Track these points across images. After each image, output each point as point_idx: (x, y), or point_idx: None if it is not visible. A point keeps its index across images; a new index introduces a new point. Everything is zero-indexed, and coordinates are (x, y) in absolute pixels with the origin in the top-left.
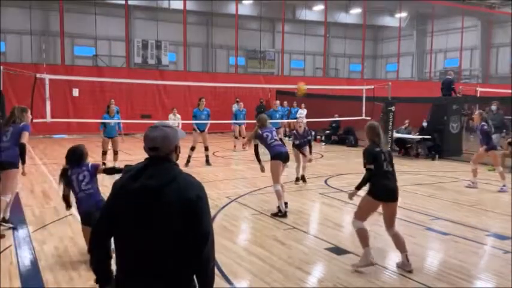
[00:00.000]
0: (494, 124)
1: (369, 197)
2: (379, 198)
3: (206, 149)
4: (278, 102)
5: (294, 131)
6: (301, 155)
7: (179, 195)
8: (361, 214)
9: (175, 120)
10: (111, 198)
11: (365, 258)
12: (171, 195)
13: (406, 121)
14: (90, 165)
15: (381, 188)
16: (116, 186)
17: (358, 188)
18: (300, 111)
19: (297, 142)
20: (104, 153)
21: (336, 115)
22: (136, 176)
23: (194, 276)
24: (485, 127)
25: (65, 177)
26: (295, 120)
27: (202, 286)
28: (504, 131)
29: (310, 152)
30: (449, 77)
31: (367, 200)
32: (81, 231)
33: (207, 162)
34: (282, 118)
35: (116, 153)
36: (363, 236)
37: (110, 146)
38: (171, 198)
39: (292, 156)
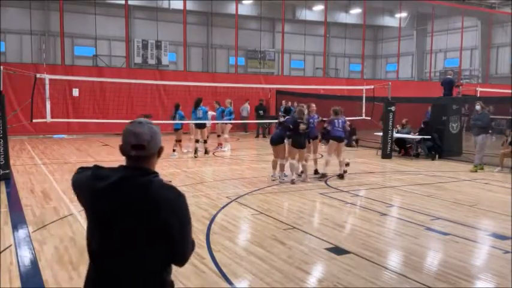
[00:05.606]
0: (479, 125)
1: None
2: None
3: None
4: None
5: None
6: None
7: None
8: None
9: None
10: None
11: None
12: (141, 210)
13: (404, 120)
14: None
15: None
16: (77, 185)
17: None
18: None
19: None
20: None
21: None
22: (105, 190)
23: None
24: None
25: None
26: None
27: None
28: (490, 131)
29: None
30: (450, 76)
31: None
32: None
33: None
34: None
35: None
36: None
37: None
38: (141, 213)
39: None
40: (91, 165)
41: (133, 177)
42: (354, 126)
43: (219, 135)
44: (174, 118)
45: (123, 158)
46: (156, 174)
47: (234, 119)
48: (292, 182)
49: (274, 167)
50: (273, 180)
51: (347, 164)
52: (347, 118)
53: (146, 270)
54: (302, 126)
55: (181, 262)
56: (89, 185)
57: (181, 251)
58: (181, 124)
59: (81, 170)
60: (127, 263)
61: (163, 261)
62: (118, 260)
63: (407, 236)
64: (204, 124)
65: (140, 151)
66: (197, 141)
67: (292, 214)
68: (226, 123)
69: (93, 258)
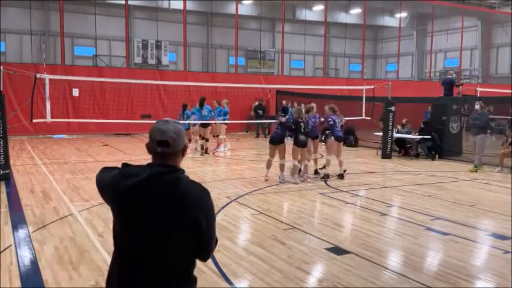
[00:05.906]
0: (478, 124)
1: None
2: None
3: (206, 140)
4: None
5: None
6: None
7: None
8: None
9: None
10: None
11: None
12: (171, 209)
13: (404, 120)
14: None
15: None
16: (102, 183)
17: None
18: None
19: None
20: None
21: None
22: (134, 188)
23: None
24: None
25: None
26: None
27: None
28: (488, 131)
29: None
30: (450, 76)
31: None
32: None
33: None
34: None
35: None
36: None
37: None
38: (170, 212)
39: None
40: (111, 165)
41: (161, 175)
42: (354, 126)
43: (217, 135)
44: (181, 118)
45: (124, 158)
46: (182, 171)
47: (230, 119)
48: (294, 182)
49: (268, 167)
50: (266, 180)
51: (323, 167)
52: (347, 118)
53: (172, 266)
54: (302, 137)
55: (205, 257)
56: (116, 183)
57: (207, 246)
58: (189, 124)
59: (105, 169)
60: (154, 259)
61: (189, 257)
62: (145, 256)
63: (407, 236)
64: (209, 123)
65: (165, 147)
66: (202, 138)
67: (292, 214)
68: (221, 123)
69: (119, 254)
